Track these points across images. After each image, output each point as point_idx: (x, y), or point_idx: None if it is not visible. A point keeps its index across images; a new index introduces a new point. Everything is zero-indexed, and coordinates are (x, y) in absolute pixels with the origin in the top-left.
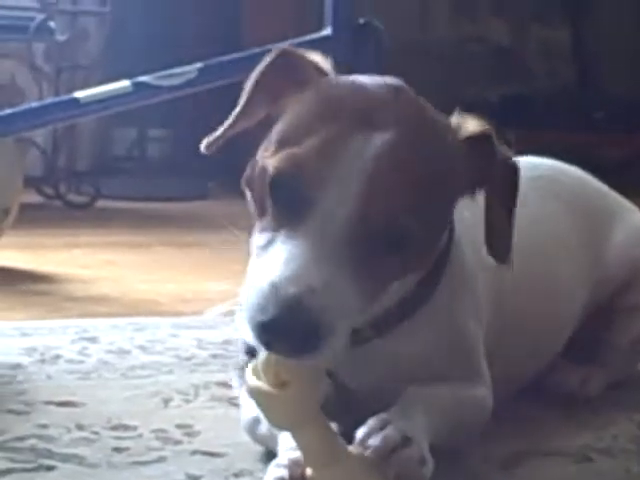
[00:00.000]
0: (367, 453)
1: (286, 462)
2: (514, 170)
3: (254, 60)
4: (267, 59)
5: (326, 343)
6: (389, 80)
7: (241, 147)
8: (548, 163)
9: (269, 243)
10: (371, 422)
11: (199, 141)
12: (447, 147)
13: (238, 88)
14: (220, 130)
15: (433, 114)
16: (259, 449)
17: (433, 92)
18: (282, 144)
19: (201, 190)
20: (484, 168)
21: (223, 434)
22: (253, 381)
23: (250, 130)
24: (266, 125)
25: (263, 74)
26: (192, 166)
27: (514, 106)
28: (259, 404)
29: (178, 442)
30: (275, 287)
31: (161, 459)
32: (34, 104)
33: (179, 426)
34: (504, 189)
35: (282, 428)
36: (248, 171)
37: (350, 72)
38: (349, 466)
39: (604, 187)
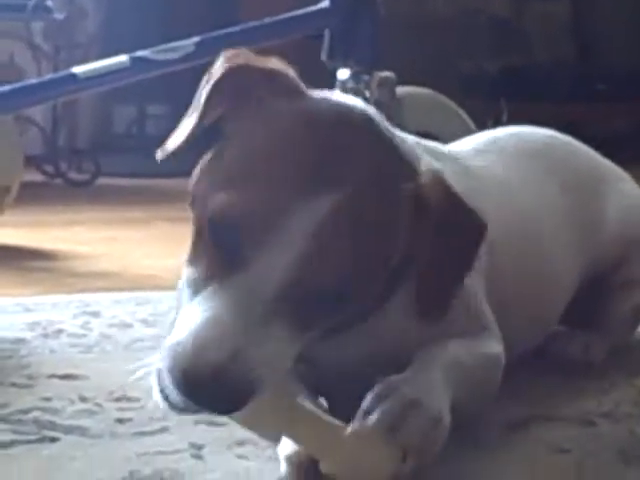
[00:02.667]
0: (370, 427)
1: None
2: (480, 232)
3: (251, 33)
4: (217, 74)
5: (254, 397)
6: (357, 112)
7: None
8: (543, 136)
9: (198, 291)
10: (376, 389)
11: None
12: (397, 209)
13: None
14: (176, 144)
15: (395, 164)
16: None
17: (432, 65)
18: (226, 181)
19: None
20: (446, 232)
21: None
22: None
23: None
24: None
25: (214, 90)
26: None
27: (514, 78)
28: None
29: None
30: (198, 351)
31: (164, 429)
32: (32, 80)
33: None
34: (459, 250)
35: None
36: (192, 184)
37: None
38: (350, 451)
39: (597, 156)
